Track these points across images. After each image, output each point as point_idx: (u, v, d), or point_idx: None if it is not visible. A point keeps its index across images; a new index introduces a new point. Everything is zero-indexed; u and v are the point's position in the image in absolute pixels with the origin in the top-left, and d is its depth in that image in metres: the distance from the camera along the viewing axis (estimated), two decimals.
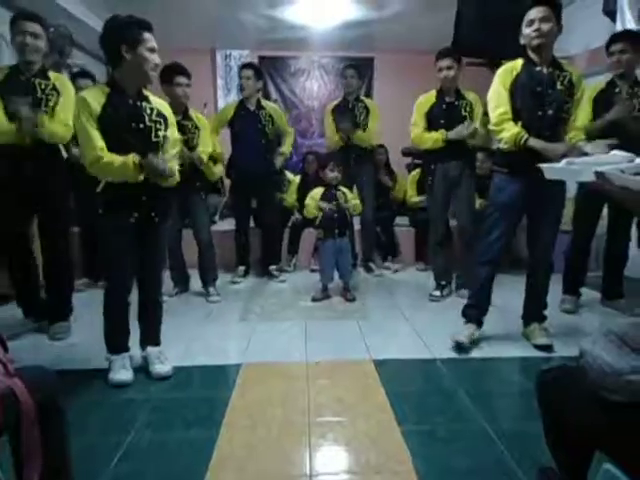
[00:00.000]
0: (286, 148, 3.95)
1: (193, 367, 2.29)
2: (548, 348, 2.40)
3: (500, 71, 2.39)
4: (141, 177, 1.99)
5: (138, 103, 2.04)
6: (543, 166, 1.43)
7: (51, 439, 1.10)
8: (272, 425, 1.77)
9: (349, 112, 3.84)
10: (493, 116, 2.37)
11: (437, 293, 3.39)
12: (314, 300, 3.35)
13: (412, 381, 2.11)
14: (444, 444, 1.65)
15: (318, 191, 3.43)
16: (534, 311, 2.55)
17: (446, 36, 3.70)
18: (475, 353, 2.40)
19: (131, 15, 2.01)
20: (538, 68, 2.30)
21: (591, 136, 2.53)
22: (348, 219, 3.46)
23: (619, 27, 3.24)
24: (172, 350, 2.44)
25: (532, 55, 2.32)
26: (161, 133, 2.09)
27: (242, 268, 4.01)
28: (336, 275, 3.46)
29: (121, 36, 1.94)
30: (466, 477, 1.48)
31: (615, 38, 2.83)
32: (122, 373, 2.11)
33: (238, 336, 2.68)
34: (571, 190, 2.89)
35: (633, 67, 2.83)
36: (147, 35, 1.98)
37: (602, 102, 2.83)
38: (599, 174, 1.04)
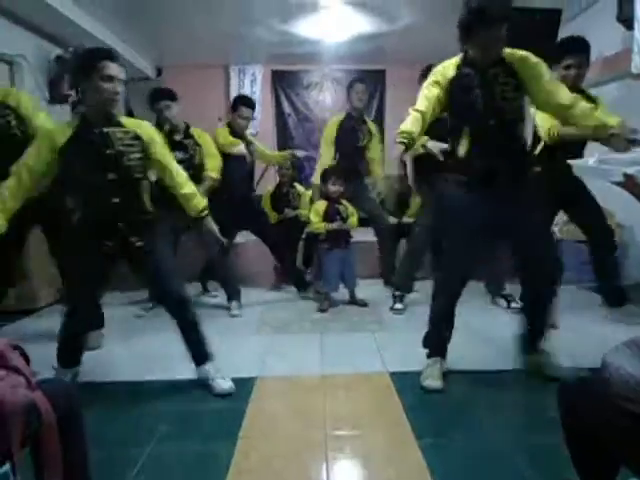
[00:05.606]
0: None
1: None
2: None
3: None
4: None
5: (105, 130, 2.02)
6: (574, 162, 1.38)
7: (71, 451, 1.11)
8: (289, 438, 1.76)
9: (353, 134, 3.67)
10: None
11: (400, 306, 3.32)
12: (321, 311, 3.36)
13: (429, 394, 2.08)
14: (463, 458, 1.61)
15: (321, 205, 3.44)
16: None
17: (458, 49, 3.68)
18: (490, 366, 2.36)
19: (98, 47, 2.03)
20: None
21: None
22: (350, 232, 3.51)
23: (637, 35, 3.21)
24: (187, 363, 2.45)
25: None
26: (134, 156, 2.06)
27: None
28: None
29: (77, 66, 1.99)
30: None
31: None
32: None
33: (253, 349, 2.67)
34: None
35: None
36: (103, 63, 1.93)
37: None
38: (628, 177, 1.01)
